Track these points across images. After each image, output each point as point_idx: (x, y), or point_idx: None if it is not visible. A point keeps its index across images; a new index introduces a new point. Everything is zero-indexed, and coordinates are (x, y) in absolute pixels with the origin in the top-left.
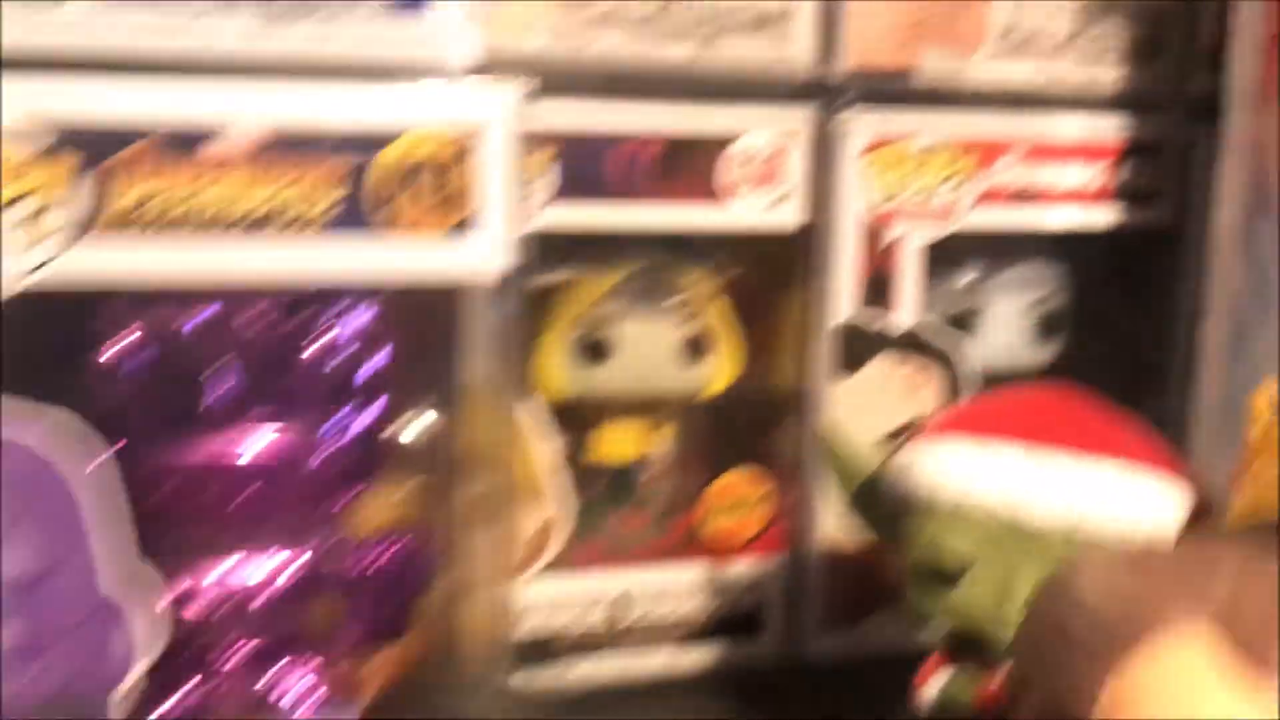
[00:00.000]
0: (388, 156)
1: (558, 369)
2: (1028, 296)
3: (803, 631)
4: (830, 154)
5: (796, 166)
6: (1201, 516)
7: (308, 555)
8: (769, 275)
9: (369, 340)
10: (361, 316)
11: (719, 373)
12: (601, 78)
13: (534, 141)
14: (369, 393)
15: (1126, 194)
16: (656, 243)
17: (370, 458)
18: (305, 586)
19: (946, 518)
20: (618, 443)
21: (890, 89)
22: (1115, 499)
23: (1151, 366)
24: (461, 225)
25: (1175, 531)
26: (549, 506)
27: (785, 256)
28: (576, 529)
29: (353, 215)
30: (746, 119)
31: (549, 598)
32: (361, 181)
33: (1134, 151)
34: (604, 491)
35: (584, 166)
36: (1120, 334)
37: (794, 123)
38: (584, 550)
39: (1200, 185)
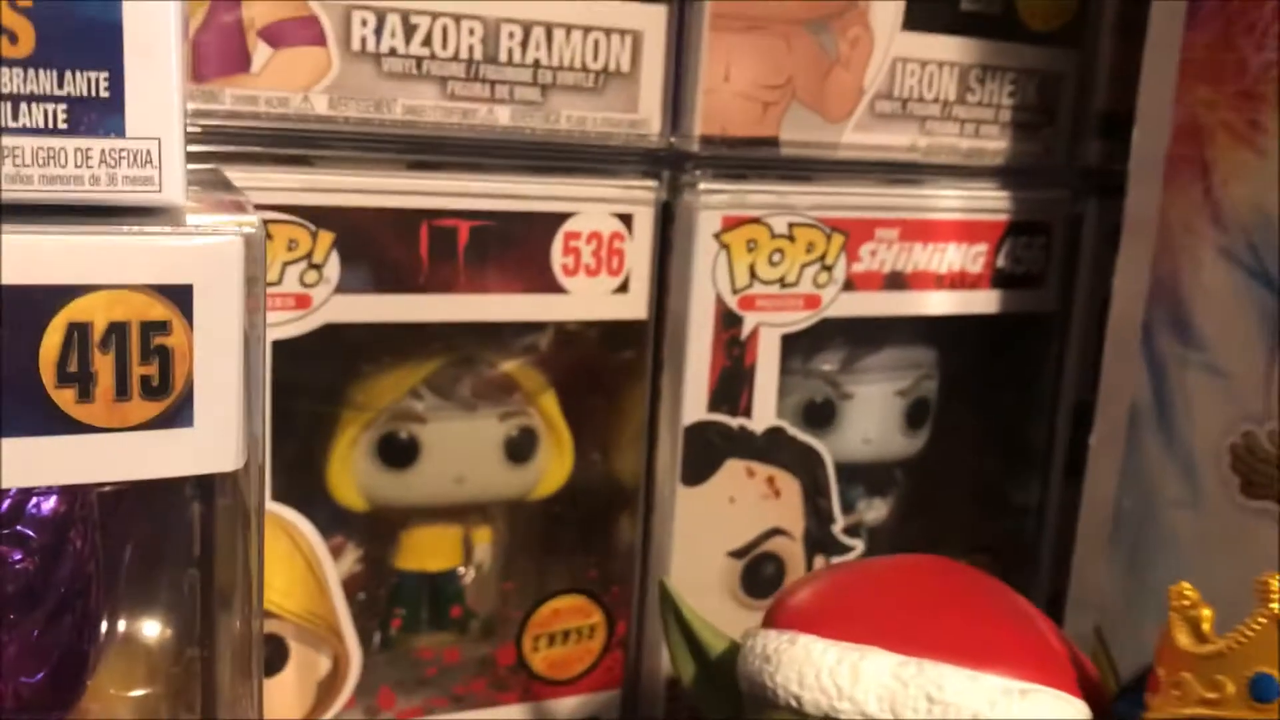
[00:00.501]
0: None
1: (354, 476)
2: (897, 383)
3: None
4: (680, 233)
5: (641, 247)
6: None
7: None
8: (608, 366)
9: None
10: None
11: (548, 475)
12: (406, 144)
13: (318, 220)
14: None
15: (1009, 275)
16: (473, 328)
17: (74, 678)
18: None
19: None
20: (428, 551)
21: (749, 159)
22: (1007, 718)
23: (1031, 461)
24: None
25: None
26: (343, 641)
27: (627, 345)
28: (379, 664)
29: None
30: (584, 192)
31: None
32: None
33: (1019, 228)
34: (412, 613)
35: (378, 251)
36: (998, 425)
37: (639, 197)
38: (389, 690)
39: (1091, 266)
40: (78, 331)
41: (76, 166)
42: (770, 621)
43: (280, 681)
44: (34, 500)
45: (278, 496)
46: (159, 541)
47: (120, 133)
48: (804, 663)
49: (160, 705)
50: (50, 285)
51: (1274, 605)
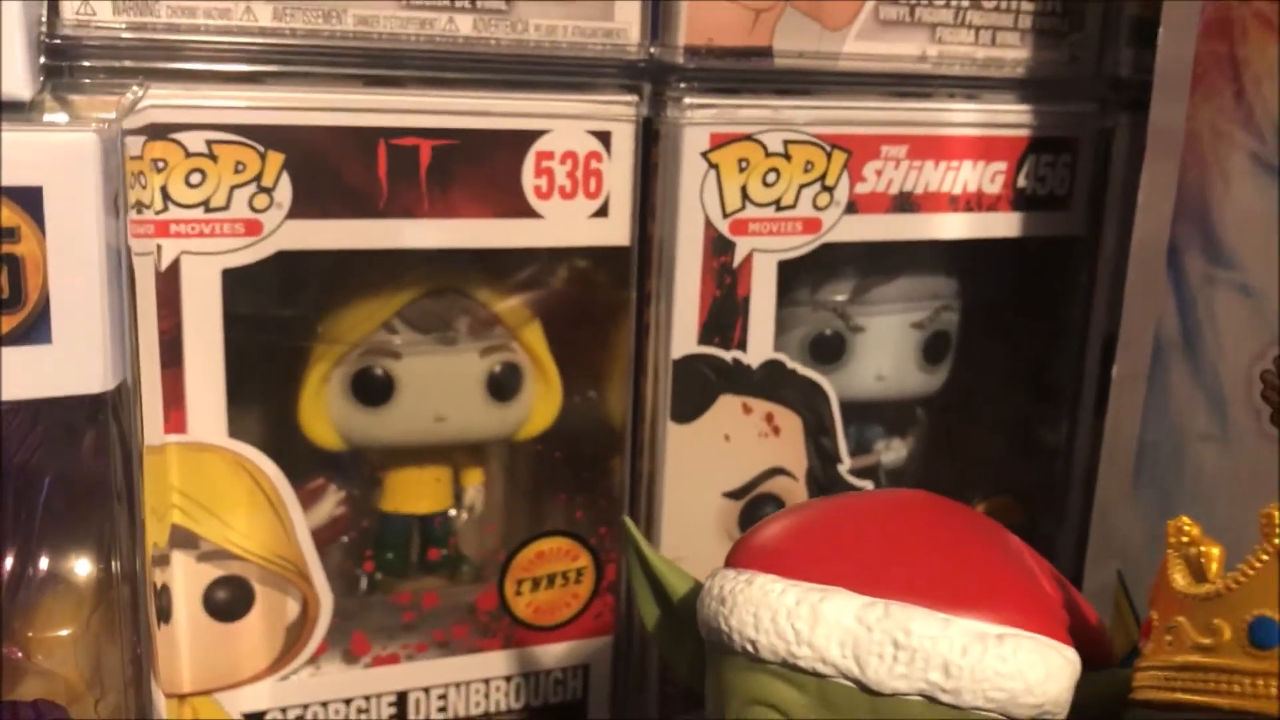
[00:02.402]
0: None
1: (328, 414)
2: (912, 314)
3: None
4: (664, 152)
5: (621, 168)
6: (1095, 665)
7: None
8: (595, 295)
9: None
10: None
11: (534, 414)
12: (360, 57)
13: (267, 140)
14: None
15: (1032, 196)
16: (450, 257)
17: None
18: None
19: (767, 677)
20: (414, 493)
21: (739, 72)
22: (981, 668)
23: (1058, 397)
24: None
25: (1060, 699)
26: (311, 584)
27: (614, 274)
28: (354, 608)
29: None
30: (556, 109)
31: (316, 696)
32: None
33: (1041, 145)
34: (393, 556)
35: (333, 173)
36: (1024, 360)
37: (617, 113)
38: (363, 635)
39: (1122, 186)
40: None
41: None
42: (730, 560)
43: (246, 625)
44: None
45: (236, 434)
46: (78, 476)
47: None
48: (760, 604)
49: (85, 645)
50: None
51: (1278, 540)
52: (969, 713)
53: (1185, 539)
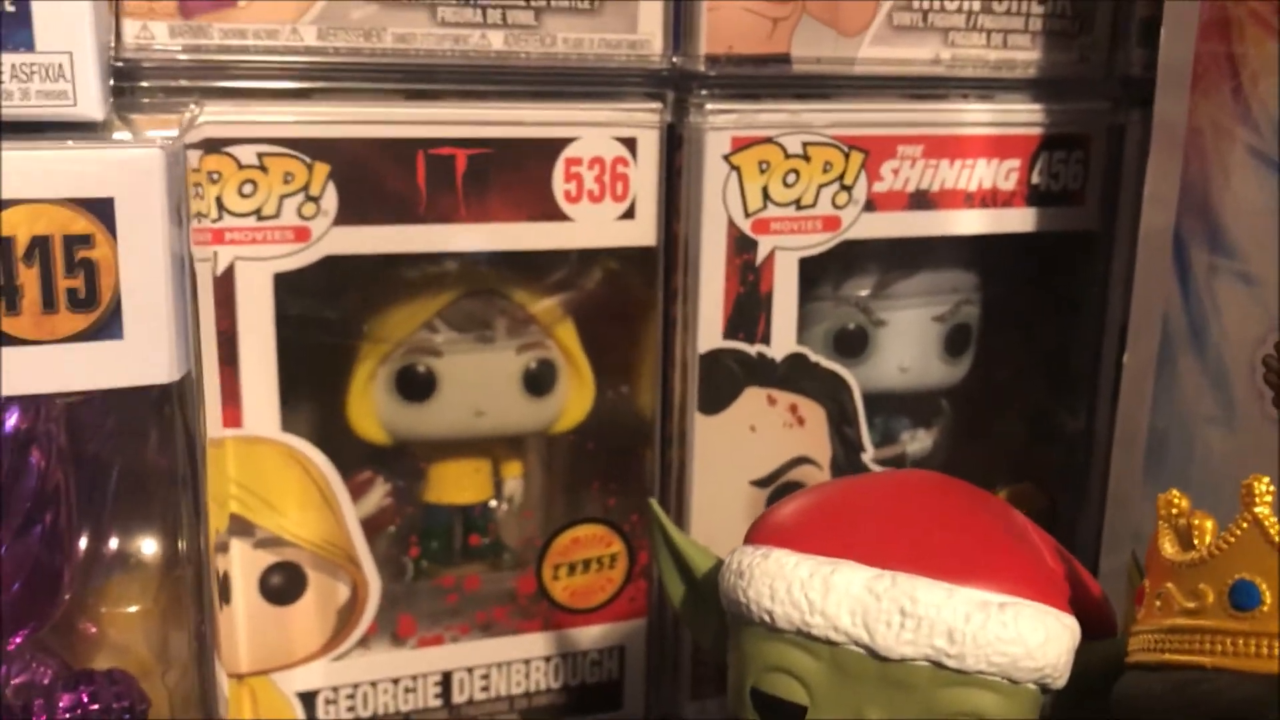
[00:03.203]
0: None
1: (374, 409)
2: (934, 308)
3: (668, 704)
4: (688, 156)
5: (647, 172)
6: (1098, 635)
7: None
8: (625, 294)
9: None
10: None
11: (569, 408)
12: (399, 73)
13: (313, 153)
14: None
15: (1046, 192)
16: (488, 259)
17: (49, 592)
18: None
19: (784, 645)
20: (456, 485)
21: (758, 78)
22: (983, 634)
23: (1078, 387)
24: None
25: (1060, 664)
26: (360, 569)
27: (642, 273)
28: (400, 592)
29: None
30: (583, 117)
31: (366, 676)
32: None
33: (1054, 143)
34: (437, 545)
35: (375, 182)
36: (1043, 351)
37: (642, 120)
38: (410, 618)
39: (1134, 181)
40: (1, 245)
41: None
42: (749, 538)
43: (300, 608)
44: None
45: (288, 428)
46: (146, 464)
47: (30, 46)
48: (776, 576)
49: (153, 622)
50: None
51: (1258, 508)
52: (973, 677)
53: (1175, 510)
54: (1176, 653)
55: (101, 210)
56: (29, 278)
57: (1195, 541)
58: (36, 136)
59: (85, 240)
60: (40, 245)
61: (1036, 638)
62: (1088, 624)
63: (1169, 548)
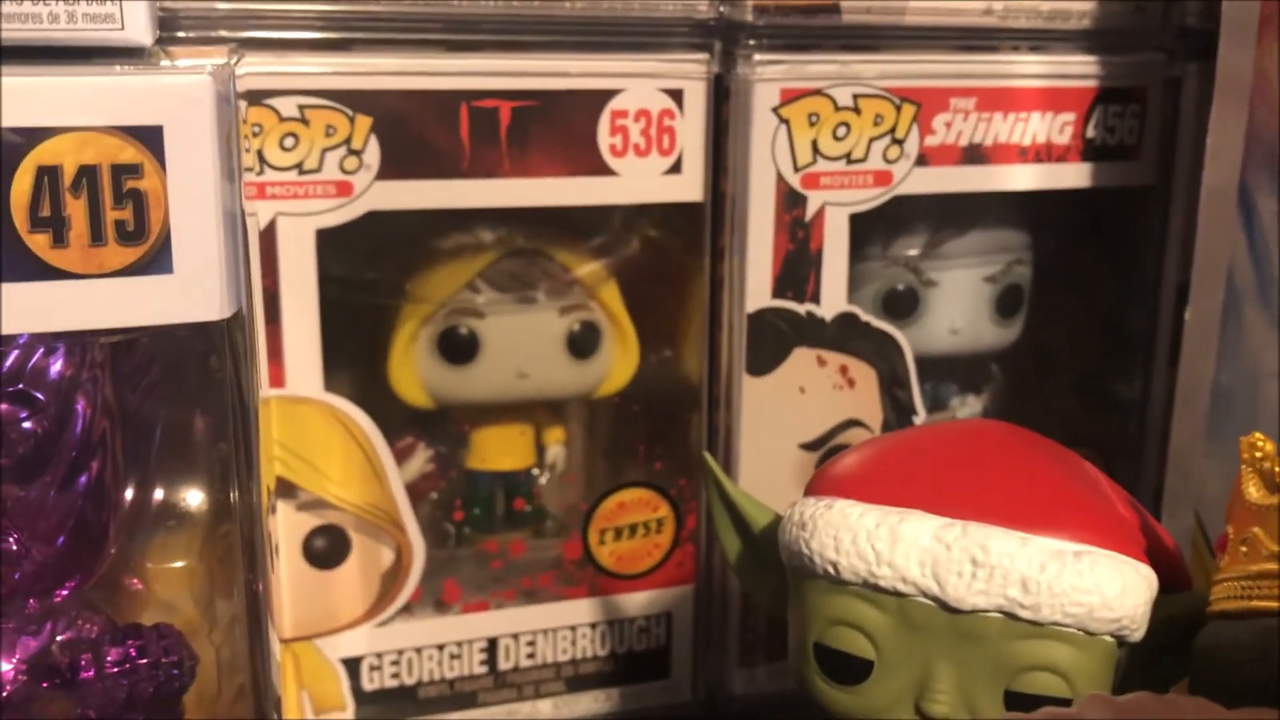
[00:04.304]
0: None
1: (416, 372)
2: (986, 268)
3: (715, 672)
4: (735, 108)
5: (694, 125)
6: (1173, 590)
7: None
8: (669, 254)
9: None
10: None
11: (613, 371)
12: (441, 23)
13: (355, 105)
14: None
15: (1101, 146)
16: (529, 218)
17: (94, 545)
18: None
19: (849, 598)
20: (498, 451)
21: (808, 28)
22: (1058, 583)
23: (1133, 349)
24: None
25: (1138, 615)
26: (404, 533)
27: (688, 231)
28: (444, 558)
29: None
30: (629, 68)
31: (411, 642)
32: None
33: (1109, 96)
34: (479, 511)
35: (418, 135)
36: (1097, 312)
37: (689, 71)
38: (454, 583)
39: (1192, 135)
40: (47, 175)
41: (33, 3)
42: (810, 490)
43: (344, 573)
44: (36, 360)
45: (331, 388)
46: (193, 413)
47: None
48: (840, 527)
49: (200, 579)
50: (17, 128)
51: None
52: (1047, 628)
53: (1259, 454)
54: (1265, 599)
55: (150, 139)
56: (76, 209)
57: None
58: (84, 62)
59: (134, 170)
60: (88, 175)
61: (1114, 587)
62: (1163, 576)
63: (1254, 491)
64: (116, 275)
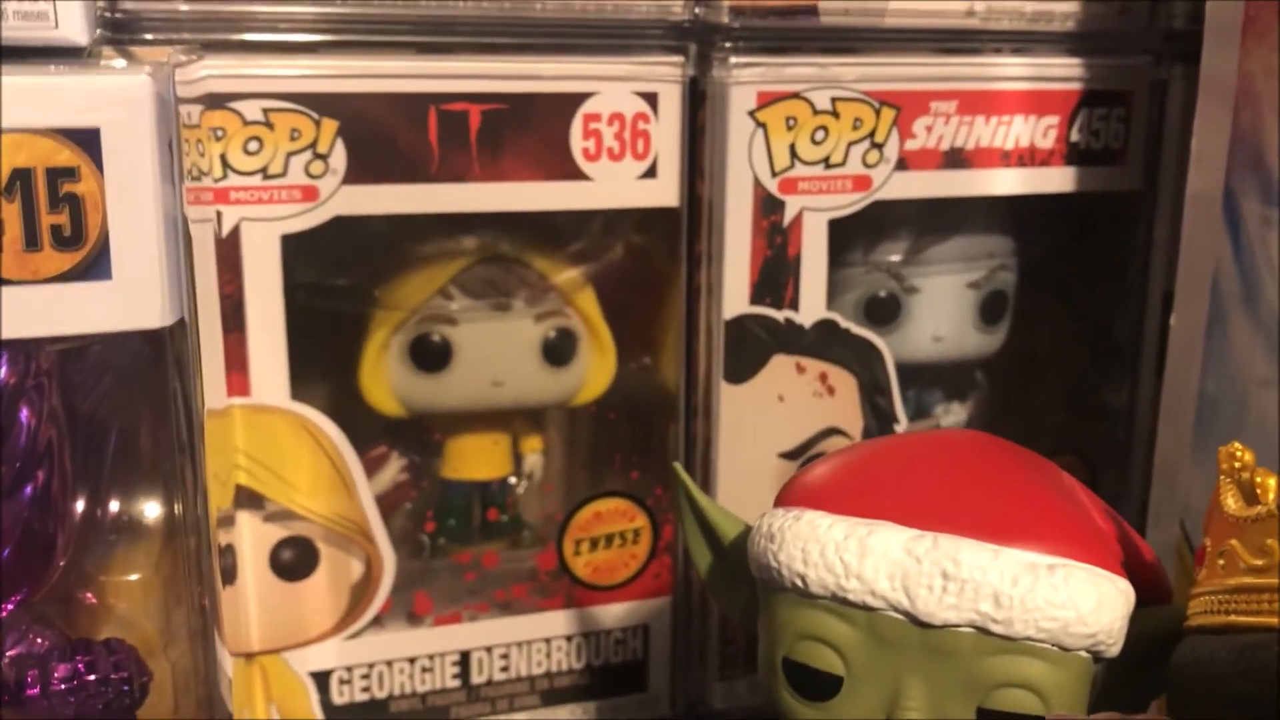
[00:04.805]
0: None
1: (388, 380)
2: (968, 274)
3: (695, 685)
4: (711, 111)
5: (669, 128)
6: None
7: None
8: (647, 260)
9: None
10: None
11: (590, 379)
12: (409, 25)
13: (321, 108)
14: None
15: (1085, 150)
16: (503, 223)
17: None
18: None
19: (818, 611)
20: (473, 460)
21: (785, 30)
22: (1031, 598)
23: (1119, 356)
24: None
25: (1114, 630)
26: (374, 544)
27: (665, 237)
28: (417, 569)
29: None
30: (602, 71)
31: (382, 655)
32: None
33: (1094, 99)
34: (454, 522)
35: (386, 138)
36: (1082, 319)
37: (664, 74)
38: (426, 595)
39: (1178, 139)
40: None
41: None
42: (779, 500)
43: (312, 584)
44: None
45: (301, 397)
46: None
47: None
48: (809, 539)
49: (155, 593)
50: None
51: None
52: (1021, 644)
53: (1238, 464)
54: (1243, 614)
55: (87, 141)
56: (10, 213)
57: (1260, 496)
58: (17, 62)
59: (70, 173)
60: (22, 178)
61: (1089, 602)
62: (1141, 589)
63: (1232, 503)
64: (53, 281)
